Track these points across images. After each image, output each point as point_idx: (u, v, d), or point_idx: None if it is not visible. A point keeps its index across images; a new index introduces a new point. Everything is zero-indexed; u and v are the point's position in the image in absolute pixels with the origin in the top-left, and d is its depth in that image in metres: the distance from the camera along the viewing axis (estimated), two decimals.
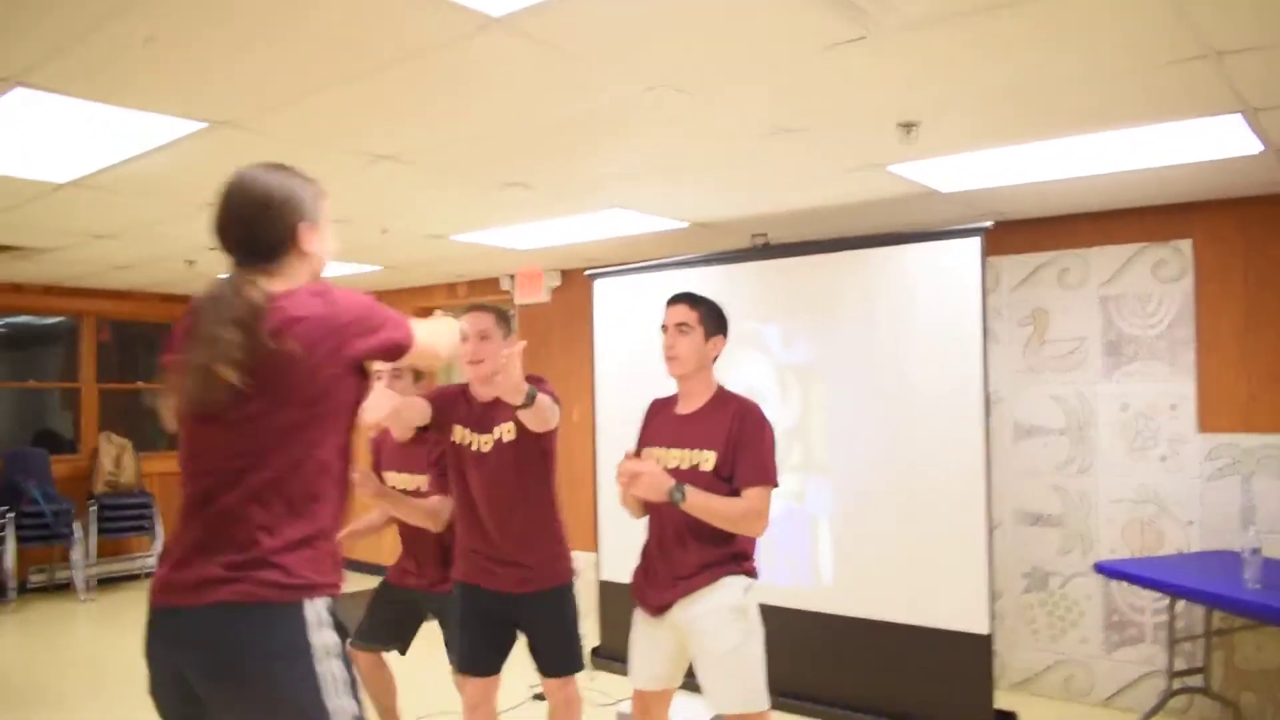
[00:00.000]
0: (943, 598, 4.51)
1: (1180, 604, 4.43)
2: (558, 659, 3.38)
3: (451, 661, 3.74)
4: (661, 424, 3.23)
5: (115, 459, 8.19)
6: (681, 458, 3.07)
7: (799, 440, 4.97)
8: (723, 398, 3.13)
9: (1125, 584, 4.77)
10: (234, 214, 2.05)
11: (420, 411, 3.31)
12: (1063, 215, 4.99)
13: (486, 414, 3.32)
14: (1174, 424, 4.70)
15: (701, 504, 2.93)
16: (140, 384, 9.06)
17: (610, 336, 5.76)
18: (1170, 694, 4.37)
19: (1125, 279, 4.83)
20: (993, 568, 4.42)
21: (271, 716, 1.88)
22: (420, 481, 3.81)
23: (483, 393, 3.34)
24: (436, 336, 2.27)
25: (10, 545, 7.35)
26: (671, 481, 2.93)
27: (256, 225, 2.03)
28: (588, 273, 5.89)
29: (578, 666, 3.41)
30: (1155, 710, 4.36)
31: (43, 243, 5.84)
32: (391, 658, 4.08)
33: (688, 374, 3.14)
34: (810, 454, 4.94)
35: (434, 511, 3.64)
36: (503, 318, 3.39)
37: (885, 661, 4.67)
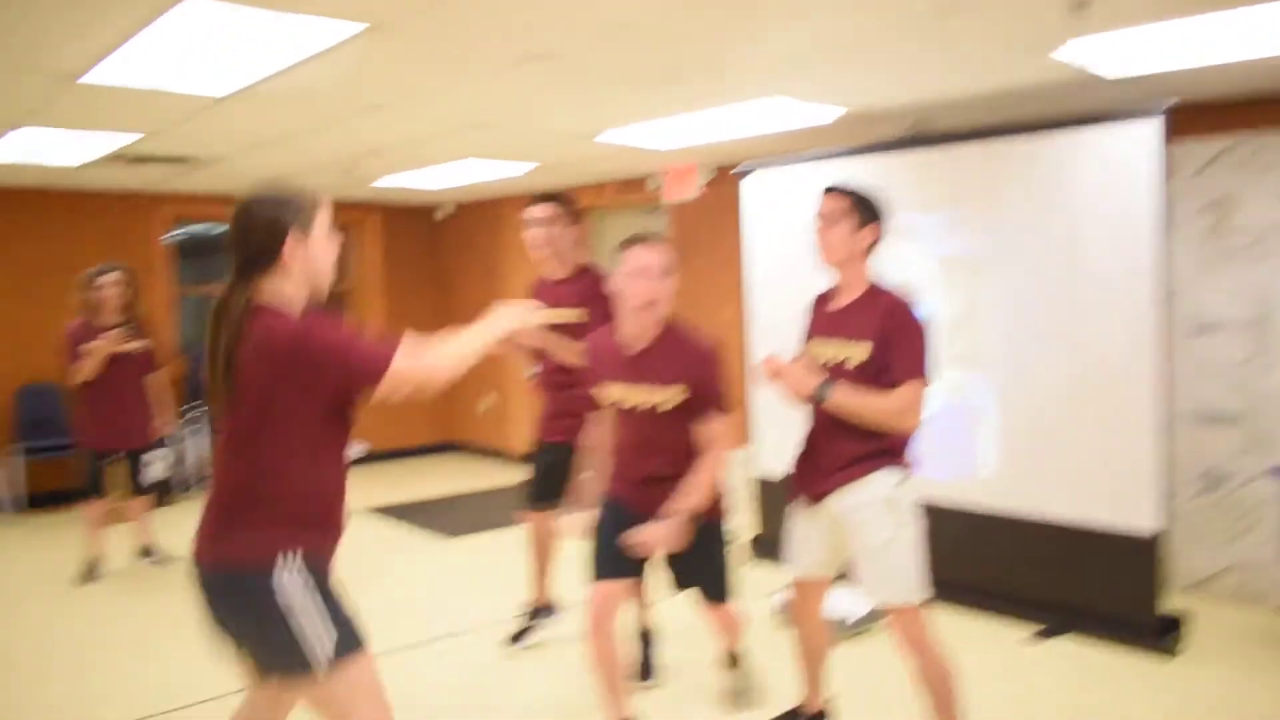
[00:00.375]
0: (1110, 497, 4.36)
1: None
2: (713, 588, 3.37)
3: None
4: (819, 316, 3.22)
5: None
6: (835, 351, 3.05)
7: (960, 334, 4.84)
8: (875, 292, 3.06)
9: None
10: (233, 229, 2.30)
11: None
12: (1248, 98, 4.62)
13: (637, 366, 3.22)
14: None
15: (845, 402, 2.92)
16: None
17: (762, 234, 5.69)
18: None
19: None
20: (1166, 468, 4.23)
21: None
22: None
23: (637, 334, 3.22)
24: (435, 360, 2.28)
25: (198, 442, 7.86)
26: (816, 381, 2.92)
27: (244, 238, 2.27)
28: (738, 168, 5.80)
29: (732, 595, 3.42)
30: None
31: (209, 153, 6.09)
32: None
33: (839, 264, 3.09)
34: (972, 348, 4.81)
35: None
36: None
37: (1048, 560, 4.58)
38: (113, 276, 5.48)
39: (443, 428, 10.11)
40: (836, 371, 2.99)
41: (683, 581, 3.41)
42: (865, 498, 2.99)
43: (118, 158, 6.07)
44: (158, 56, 3.74)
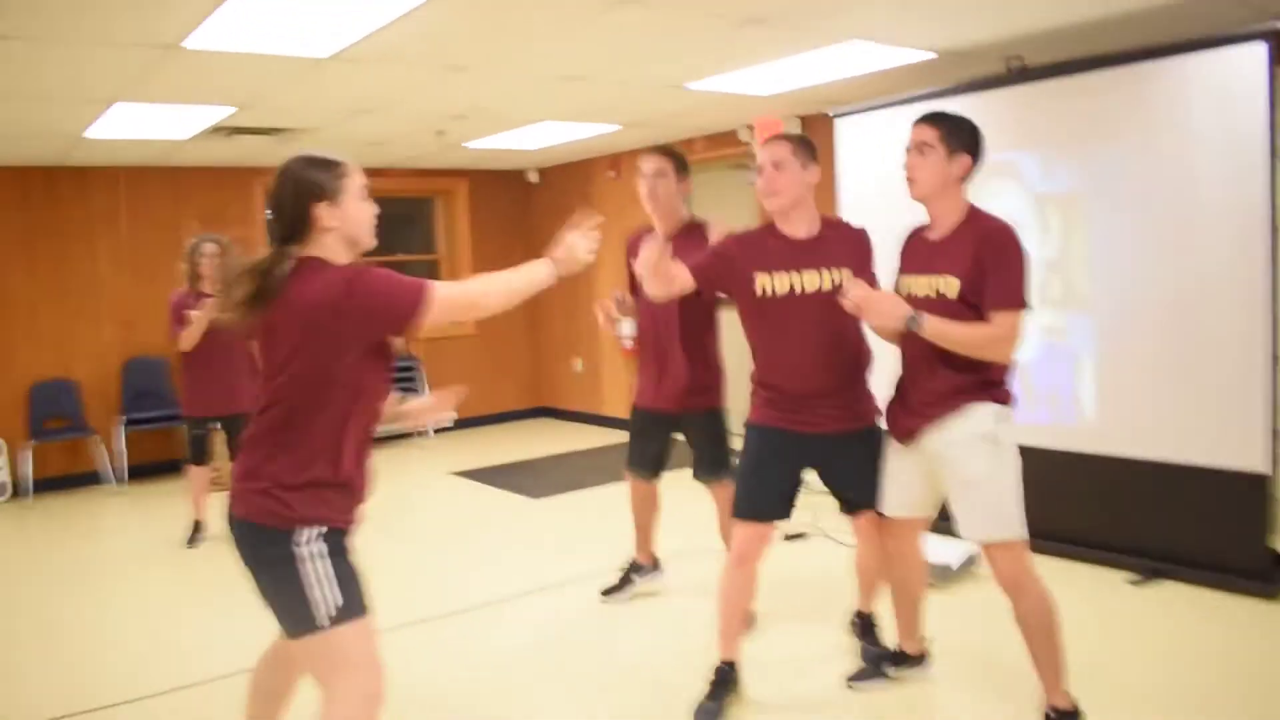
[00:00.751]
0: (1216, 437, 4.24)
1: None
2: (867, 497, 3.32)
3: (703, 476, 4.07)
4: (913, 251, 3.13)
5: None
6: (929, 285, 2.97)
7: (1059, 274, 4.73)
8: (972, 220, 2.97)
9: None
10: (268, 202, 2.38)
11: (677, 282, 3.33)
12: None
13: (808, 252, 3.25)
14: None
15: (940, 331, 2.84)
16: (400, 255, 9.63)
17: (855, 179, 5.62)
18: None
19: None
20: (1274, 405, 4.09)
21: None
22: None
23: (793, 225, 3.29)
24: (482, 293, 2.49)
25: None
26: (907, 310, 2.84)
27: (278, 210, 2.33)
28: (830, 112, 5.73)
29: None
30: None
31: (306, 123, 6.22)
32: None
33: (928, 196, 3.00)
34: (1072, 288, 4.69)
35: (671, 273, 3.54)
36: (801, 146, 3.29)
37: (1153, 502, 4.47)
38: (213, 246, 5.64)
39: (533, 393, 10.21)
40: (932, 305, 2.90)
41: (842, 492, 3.42)
42: (961, 433, 2.93)
43: (217, 130, 6.24)
44: (255, 19, 3.83)
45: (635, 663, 3.82)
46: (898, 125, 5.16)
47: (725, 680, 3.33)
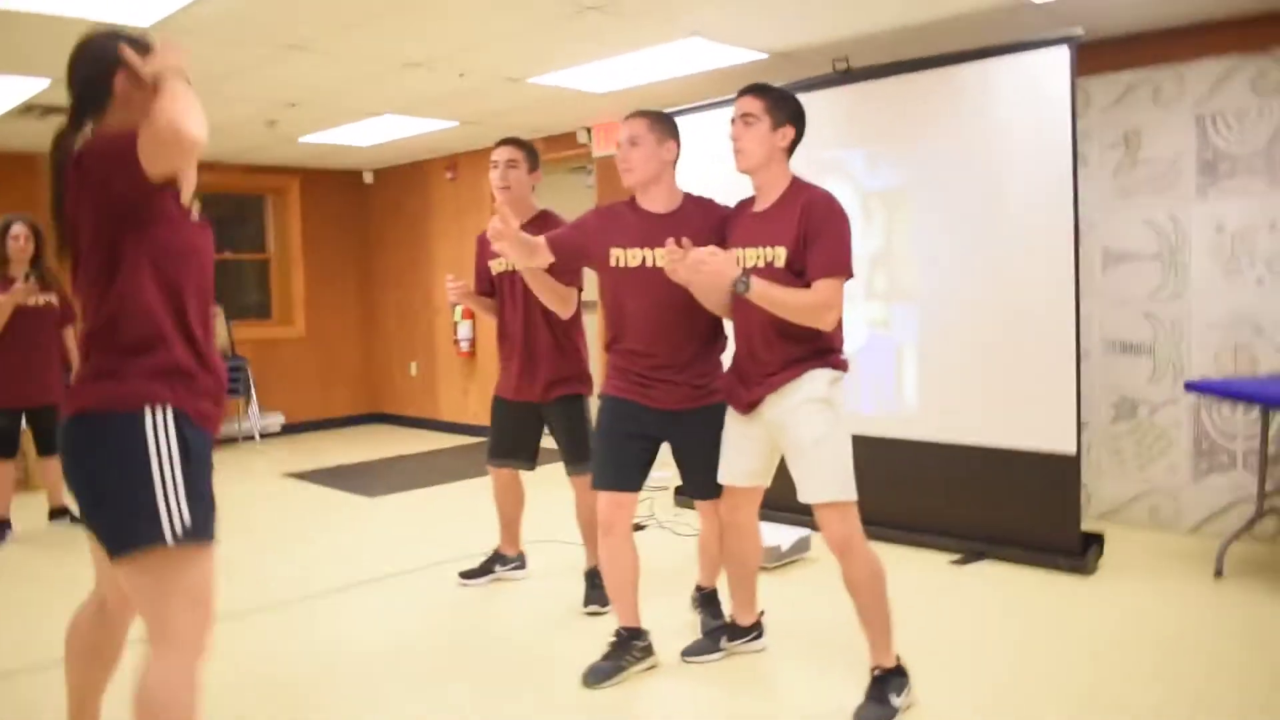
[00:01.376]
0: (1030, 422, 4.49)
1: (1275, 424, 4.38)
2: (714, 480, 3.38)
3: (571, 469, 4.04)
4: (741, 225, 3.20)
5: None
6: (757, 256, 3.04)
7: (883, 267, 4.94)
8: (796, 189, 3.06)
9: (1216, 411, 4.73)
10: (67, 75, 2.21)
11: (537, 253, 3.33)
12: (1156, 30, 4.79)
13: (663, 227, 3.22)
14: (1271, 243, 4.57)
15: (767, 294, 2.88)
16: (229, 254, 9.29)
17: (695, 177, 5.70)
18: (1260, 516, 4.34)
19: (1222, 94, 4.65)
20: (1079, 396, 4.37)
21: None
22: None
23: (651, 200, 3.35)
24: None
25: None
26: (735, 271, 2.86)
27: (76, 81, 2.18)
28: (667, 110, 5.82)
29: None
30: (1242, 531, 4.33)
31: None
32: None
33: (755, 167, 3.07)
34: (895, 281, 4.91)
35: (567, 295, 3.75)
36: (658, 121, 3.40)
37: (973, 486, 4.70)
38: (22, 228, 5.33)
39: (367, 398, 9.99)
40: (761, 275, 2.95)
41: (689, 471, 3.47)
42: (799, 398, 3.01)
43: (29, 109, 5.90)
44: None
45: (487, 641, 3.79)
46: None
47: (621, 644, 3.38)
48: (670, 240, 2.96)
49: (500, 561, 4.49)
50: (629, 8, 4.33)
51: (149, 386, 2.04)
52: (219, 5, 4.02)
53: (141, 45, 2.16)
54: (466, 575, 4.45)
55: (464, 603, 4.25)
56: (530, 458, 4.27)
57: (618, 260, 3.30)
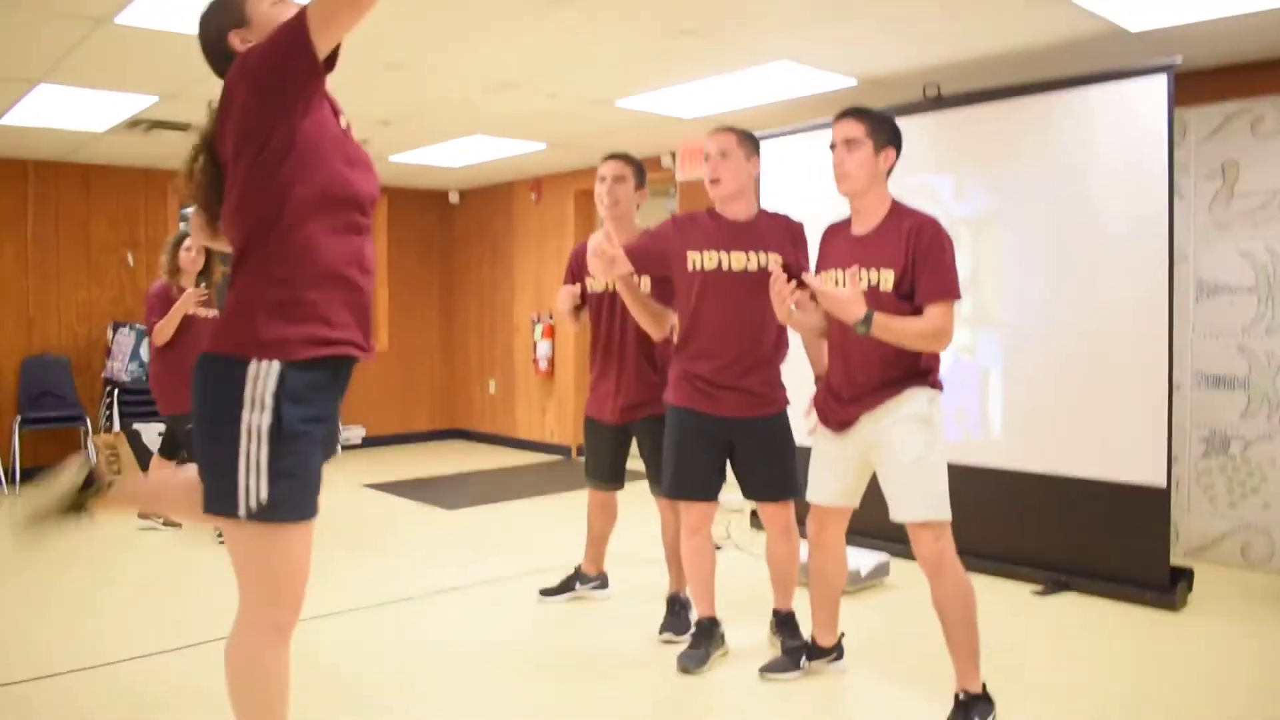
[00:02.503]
0: (1119, 454, 4.41)
1: None
2: (779, 484, 3.49)
3: (657, 489, 3.94)
4: (837, 246, 3.21)
5: None
6: (860, 277, 3.03)
7: (971, 293, 4.90)
8: (899, 213, 3.08)
9: None
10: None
11: (621, 265, 3.41)
12: (1256, 61, 4.72)
13: (739, 234, 3.42)
14: None
15: (887, 327, 2.91)
16: None
17: (779, 202, 5.74)
18: None
19: None
20: (1170, 429, 4.29)
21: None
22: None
23: (731, 210, 3.46)
24: None
25: None
26: (863, 310, 2.88)
27: (205, 56, 2.21)
28: (755, 133, 5.87)
29: (797, 492, 3.49)
30: None
31: None
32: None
33: (859, 191, 3.10)
34: (983, 307, 4.88)
35: (662, 315, 3.76)
36: (746, 138, 3.49)
37: (1058, 516, 4.62)
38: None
39: (446, 414, 10.14)
40: (865, 296, 2.97)
41: (752, 482, 3.54)
42: (897, 416, 3.02)
43: (135, 124, 6.13)
44: None
45: (560, 658, 3.80)
46: (819, 149, 5.37)
47: (704, 632, 3.60)
48: (775, 266, 3.15)
49: (581, 579, 4.47)
50: (722, 31, 4.38)
51: (265, 334, 2.02)
52: None
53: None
54: (546, 592, 4.45)
55: (541, 618, 4.27)
56: (622, 478, 4.27)
57: (694, 264, 3.41)
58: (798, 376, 3.53)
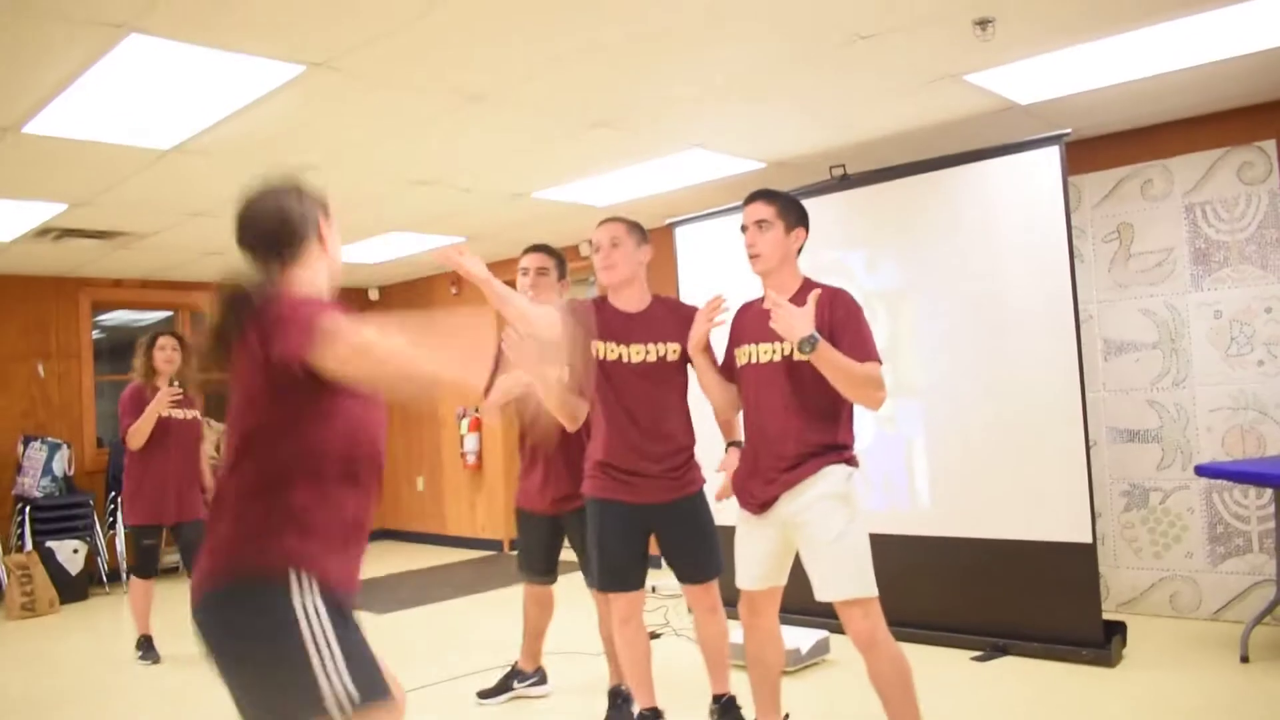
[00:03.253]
0: (1044, 513, 4.50)
1: None
2: (703, 564, 3.49)
3: (591, 582, 3.81)
4: (751, 322, 3.25)
5: (217, 444, 8.47)
6: (773, 350, 3.10)
7: (888, 364, 4.94)
8: (808, 288, 3.14)
9: (1229, 494, 4.75)
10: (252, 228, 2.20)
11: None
12: (1143, 126, 4.97)
13: (635, 326, 3.45)
14: (1269, 326, 4.65)
15: (828, 355, 2.88)
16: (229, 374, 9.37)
17: (695, 285, 5.84)
18: (1279, 599, 4.32)
19: (1210, 185, 4.80)
20: (1091, 485, 4.40)
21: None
22: None
23: (624, 299, 3.50)
24: (389, 350, 1.90)
25: (120, 529, 7.63)
26: (810, 329, 2.87)
27: (270, 232, 2.17)
28: (669, 220, 5.99)
29: (719, 569, 3.50)
30: (1264, 615, 4.31)
31: (141, 226, 6.09)
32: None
33: (771, 269, 3.16)
34: (900, 378, 4.96)
35: (578, 407, 3.60)
36: (635, 227, 3.52)
37: (990, 580, 4.67)
38: (168, 340, 5.37)
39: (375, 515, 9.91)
40: (776, 368, 3.07)
41: (679, 561, 3.52)
42: (815, 494, 3.03)
43: (45, 231, 6.03)
44: (100, 105, 3.80)
45: None
46: (731, 231, 5.48)
47: None
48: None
49: (519, 677, 4.35)
50: (634, 123, 4.49)
51: (297, 556, 1.94)
52: (235, 127, 4.16)
53: (319, 194, 2.22)
54: (484, 694, 4.33)
55: None
56: (555, 570, 4.21)
57: (599, 353, 3.43)
58: (713, 456, 3.54)
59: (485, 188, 5.60)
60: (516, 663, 4.38)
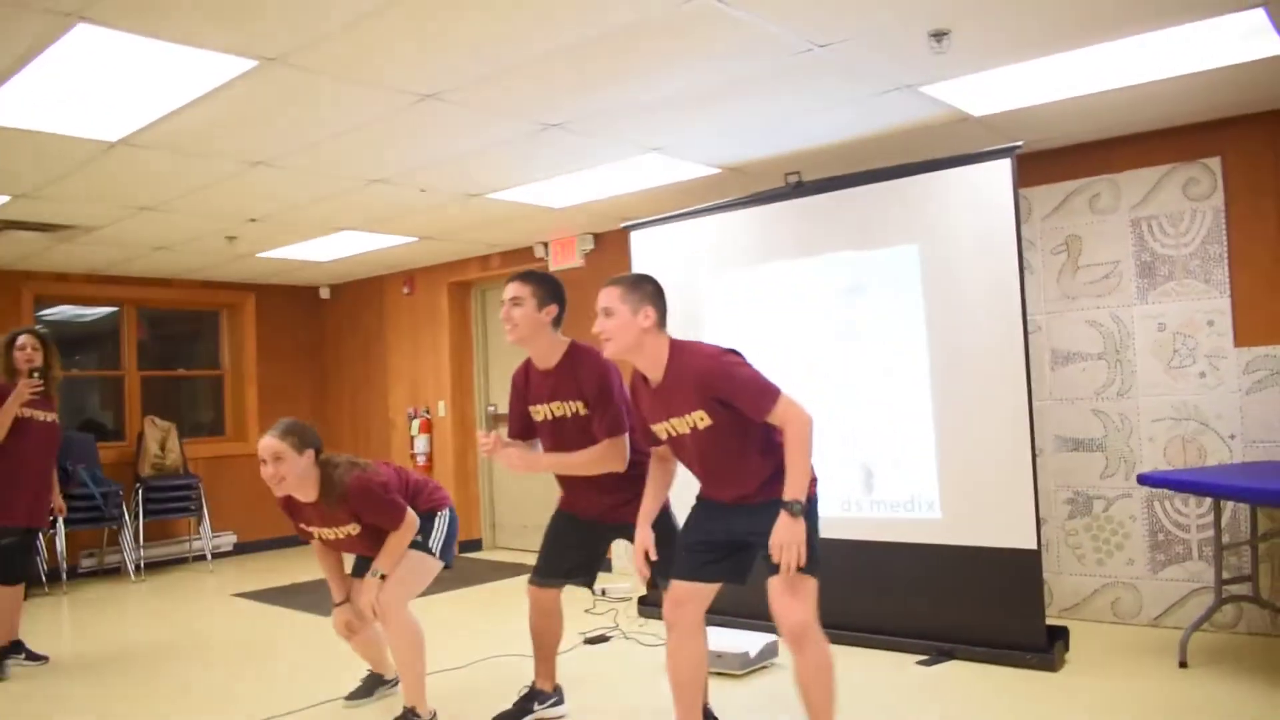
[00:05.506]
0: (990, 520, 4.56)
1: (1227, 512, 4.49)
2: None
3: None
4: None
5: (160, 442, 8.35)
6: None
7: (839, 372, 5.04)
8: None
9: (1170, 503, 4.84)
10: None
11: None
12: (1093, 141, 5.05)
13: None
14: (1211, 340, 4.75)
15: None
16: (181, 371, 9.24)
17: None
18: (1219, 604, 4.40)
19: (1156, 200, 4.89)
20: (1037, 491, 4.47)
21: None
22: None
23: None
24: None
25: (60, 529, 7.49)
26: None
27: None
28: (624, 224, 5.99)
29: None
30: (1202, 621, 4.40)
31: (87, 220, 5.97)
32: None
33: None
34: (852, 385, 5.00)
35: (610, 453, 3.59)
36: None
37: (936, 586, 4.72)
38: (27, 338, 5.12)
39: None
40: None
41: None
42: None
43: None
44: (46, 94, 3.73)
45: None
46: (687, 235, 5.51)
47: None
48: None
49: (539, 698, 4.00)
50: (588, 125, 4.48)
51: None
52: (185, 121, 4.10)
53: None
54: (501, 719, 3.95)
55: None
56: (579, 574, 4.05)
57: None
58: None
59: (440, 187, 5.56)
60: (534, 683, 4.02)
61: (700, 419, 3.06)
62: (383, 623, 3.88)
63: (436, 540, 4.05)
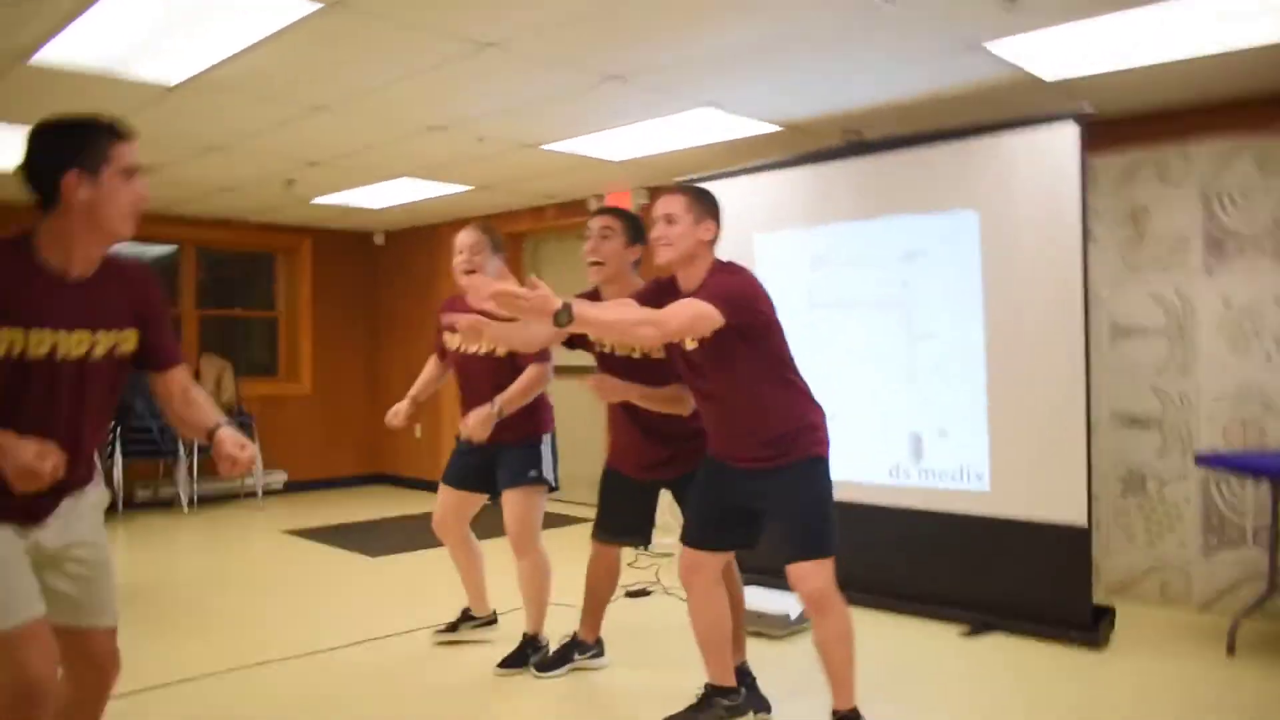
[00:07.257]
0: (1041, 493, 4.49)
1: None
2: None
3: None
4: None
5: (216, 379, 8.50)
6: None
7: (891, 337, 4.97)
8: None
9: (1226, 486, 4.73)
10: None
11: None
12: (1163, 110, 4.89)
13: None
14: (1279, 320, 4.61)
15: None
16: (239, 310, 9.37)
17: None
18: (1271, 592, 4.31)
19: (1228, 174, 4.73)
20: (1090, 468, 4.39)
21: None
22: None
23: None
24: None
25: (118, 460, 7.66)
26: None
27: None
28: (677, 180, 5.93)
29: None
30: (1253, 608, 4.32)
31: (151, 157, 6.03)
32: None
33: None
34: (904, 350, 4.94)
35: (677, 395, 3.52)
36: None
37: (983, 558, 4.67)
38: None
39: (371, 459, 9.97)
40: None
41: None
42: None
43: None
44: (110, 36, 3.74)
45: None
46: (742, 192, 5.43)
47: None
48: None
49: (580, 649, 4.06)
50: (647, 79, 4.42)
51: None
52: (246, 64, 4.10)
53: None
54: (542, 667, 4.02)
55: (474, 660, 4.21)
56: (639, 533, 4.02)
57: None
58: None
59: (497, 136, 5.54)
60: (576, 633, 4.08)
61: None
62: (517, 557, 4.09)
63: (548, 468, 4.21)
